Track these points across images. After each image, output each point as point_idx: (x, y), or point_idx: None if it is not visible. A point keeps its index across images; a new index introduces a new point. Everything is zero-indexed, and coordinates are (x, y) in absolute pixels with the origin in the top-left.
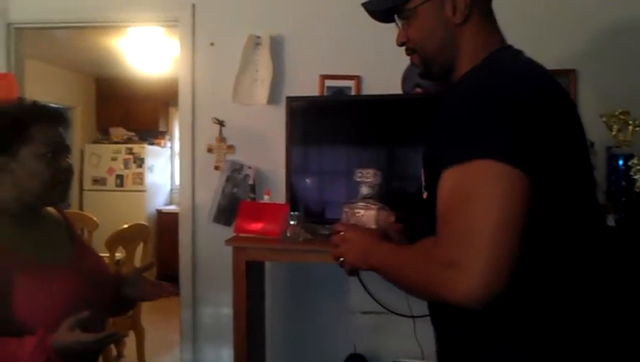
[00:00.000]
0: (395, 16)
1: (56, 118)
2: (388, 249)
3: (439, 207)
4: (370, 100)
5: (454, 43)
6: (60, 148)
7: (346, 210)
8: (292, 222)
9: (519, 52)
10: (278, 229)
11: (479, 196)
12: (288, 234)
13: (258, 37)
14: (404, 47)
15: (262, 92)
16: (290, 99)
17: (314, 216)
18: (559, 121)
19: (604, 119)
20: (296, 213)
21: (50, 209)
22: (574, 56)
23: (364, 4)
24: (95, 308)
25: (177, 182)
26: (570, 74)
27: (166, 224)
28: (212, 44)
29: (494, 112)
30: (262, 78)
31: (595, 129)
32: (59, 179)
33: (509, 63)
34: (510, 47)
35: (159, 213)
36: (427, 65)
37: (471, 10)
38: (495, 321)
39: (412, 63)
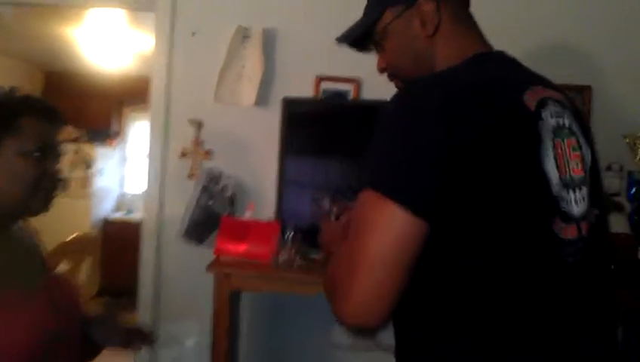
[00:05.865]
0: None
1: (50, 115)
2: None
3: None
4: (377, 106)
5: (430, 55)
6: (50, 150)
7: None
8: (287, 245)
9: (495, 55)
10: (269, 252)
11: (362, 227)
12: (280, 260)
13: (247, 29)
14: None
15: (249, 91)
16: (287, 102)
17: (305, 236)
18: (482, 145)
19: (627, 140)
20: (291, 233)
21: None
22: (589, 72)
23: (338, 39)
24: (67, 348)
25: (128, 187)
26: (584, 90)
27: (112, 233)
28: (193, 33)
29: (389, 141)
30: (249, 76)
31: (611, 149)
32: (43, 186)
33: (444, 79)
34: (490, 52)
35: (106, 221)
36: None
37: (439, 19)
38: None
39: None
